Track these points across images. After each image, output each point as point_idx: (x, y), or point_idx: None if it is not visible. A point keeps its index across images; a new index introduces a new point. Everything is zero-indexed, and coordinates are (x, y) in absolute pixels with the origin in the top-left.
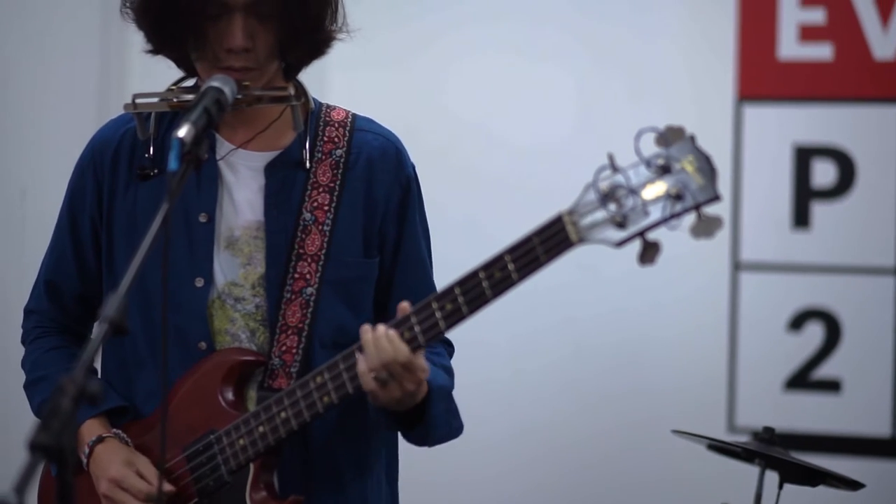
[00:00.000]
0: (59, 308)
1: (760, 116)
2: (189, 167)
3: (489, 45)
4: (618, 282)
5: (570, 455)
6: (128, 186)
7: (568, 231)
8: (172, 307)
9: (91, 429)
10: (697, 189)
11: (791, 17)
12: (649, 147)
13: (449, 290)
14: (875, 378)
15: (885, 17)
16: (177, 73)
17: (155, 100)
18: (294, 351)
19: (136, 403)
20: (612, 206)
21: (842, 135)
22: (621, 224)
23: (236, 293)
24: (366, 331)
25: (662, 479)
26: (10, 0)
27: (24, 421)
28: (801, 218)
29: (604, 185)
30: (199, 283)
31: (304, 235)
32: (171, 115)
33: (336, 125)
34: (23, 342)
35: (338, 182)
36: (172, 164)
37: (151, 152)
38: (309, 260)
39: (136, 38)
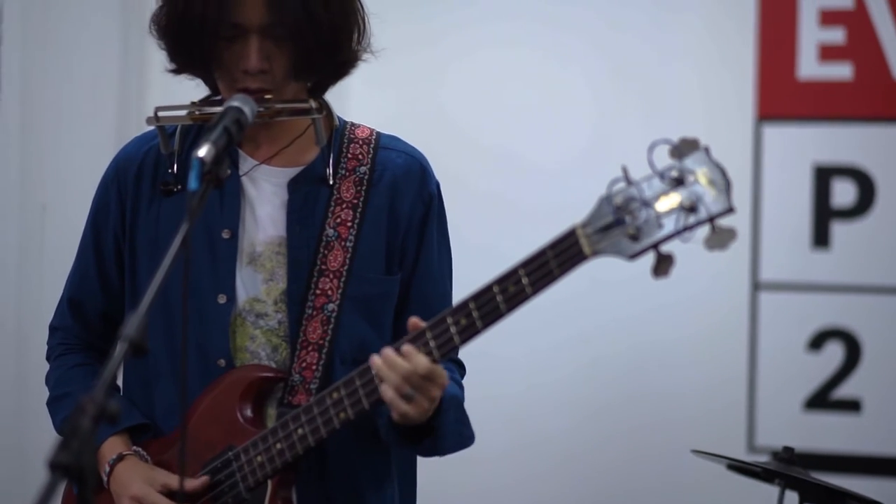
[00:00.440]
0: (83, 325)
1: (780, 136)
2: (209, 187)
3: (504, 67)
4: (636, 300)
5: (586, 472)
6: (151, 202)
7: (582, 244)
8: (195, 323)
9: (112, 447)
10: (711, 201)
11: (811, 36)
12: (663, 159)
13: (463, 305)
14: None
15: None
16: (194, 90)
17: (177, 112)
18: (314, 367)
19: (155, 419)
20: (626, 219)
21: (862, 154)
22: (635, 237)
23: (258, 309)
24: (373, 359)
25: (682, 499)
26: (32, 17)
27: (45, 439)
28: (820, 238)
29: (617, 197)
30: (222, 299)
31: (326, 251)
32: (196, 131)
33: (360, 142)
34: (47, 359)
35: (361, 198)
36: (192, 183)
37: (175, 168)
38: (331, 276)
39: (156, 56)
